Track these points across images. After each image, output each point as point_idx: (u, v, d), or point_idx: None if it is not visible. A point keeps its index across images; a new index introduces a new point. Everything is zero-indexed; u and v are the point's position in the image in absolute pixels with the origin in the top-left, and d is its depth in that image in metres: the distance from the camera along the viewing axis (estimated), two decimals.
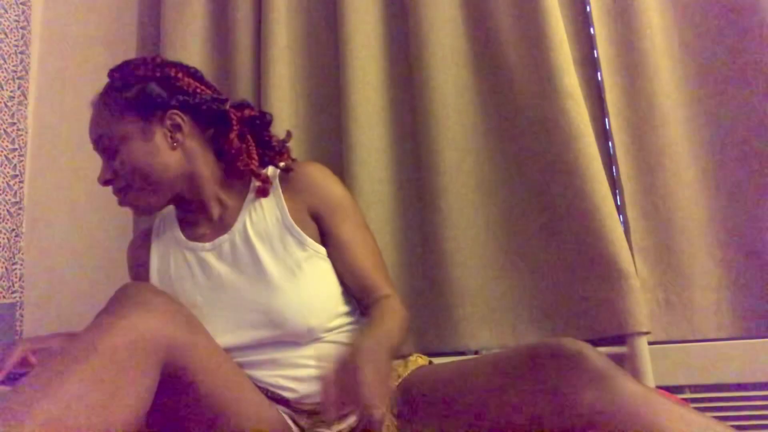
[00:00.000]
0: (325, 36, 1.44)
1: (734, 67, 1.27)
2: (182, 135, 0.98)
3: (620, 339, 1.17)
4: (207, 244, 1.00)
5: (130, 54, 1.51)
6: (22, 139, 1.61)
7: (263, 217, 0.99)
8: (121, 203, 1.00)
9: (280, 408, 0.91)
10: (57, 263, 1.60)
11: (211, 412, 0.81)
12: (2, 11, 1.56)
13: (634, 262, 1.20)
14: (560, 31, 1.27)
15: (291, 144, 1.09)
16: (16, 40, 1.60)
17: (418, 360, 1.00)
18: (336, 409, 0.68)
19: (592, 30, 1.35)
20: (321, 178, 1.02)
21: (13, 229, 1.54)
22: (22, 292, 1.55)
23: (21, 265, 1.56)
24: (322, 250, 0.99)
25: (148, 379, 0.72)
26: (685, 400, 1.16)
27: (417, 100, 1.34)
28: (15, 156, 1.58)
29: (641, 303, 1.15)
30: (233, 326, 0.93)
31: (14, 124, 1.58)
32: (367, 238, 1.03)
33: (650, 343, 1.17)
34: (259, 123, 1.06)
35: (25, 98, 1.63)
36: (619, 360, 1.13)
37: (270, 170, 1.04)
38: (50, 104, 1.68)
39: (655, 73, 1.29)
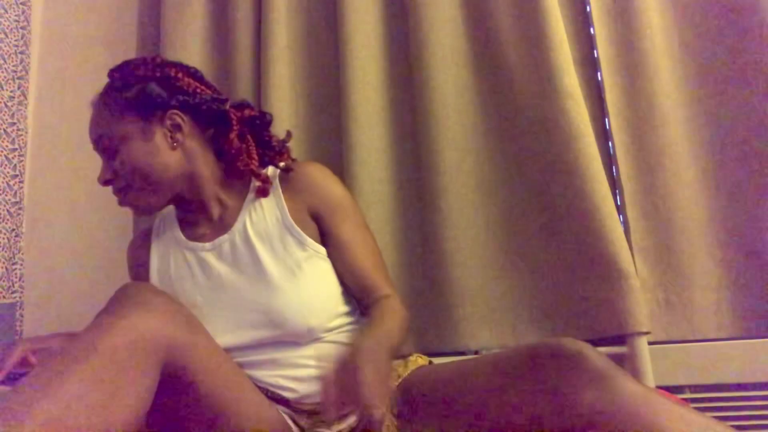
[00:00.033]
0: (325, 36, 1.44)
1: (734, 67, 1.27)
2: (182, 135, 0.98)
3: (620, 339, 1.17)
4: (207, 244, 1.00)
5: (130, 54, 1.51)
6: (22, 139, 1.61)
7: (263, 217, 0.99)
8: (121, 203, 1.00)
9: (280, 408, 0.91)
10: (57, 263, 1.60)
11: (211, 412, 0.81)
12: (2, 11, 1.56)
13: (634, 262, 1.20)
14: (560, 31, 1.27)
15: (291, 144, 1.09)
16: (16, 40, 1.60)
17: (418, 360, 1.00)
18: (336, 409, 0.68)
19: (592, 30, 1.35)
20: (321, 178, 1.02)
21: (13, 229, 1.54)
22: (22, 292, 1.55)
23: (21, 265, 1.56)
24: (322, 250, 0.99)
25: (148, 379, 0.72)
26: (685, 400, 1.16)
27: (417, 100, 1.34)
28: (15, 156, 1.58)
29: (641, 303, 1.15)
30: (233, 326, 0.93)
31: (14, 124, 1.58)
32: (367, 238, 1.02)
33: (650, 343, 1.17)
34: (259, 123, 1.06)
35: (25, 98, 1.63)
36: (619, 360, 1.13)
37: (270, 170, 1.04)
38: (50, 104, 1.68)
39: (655, 73, 1.29)
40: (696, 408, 0.80)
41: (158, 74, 0.98)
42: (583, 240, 1.19)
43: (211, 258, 0.99)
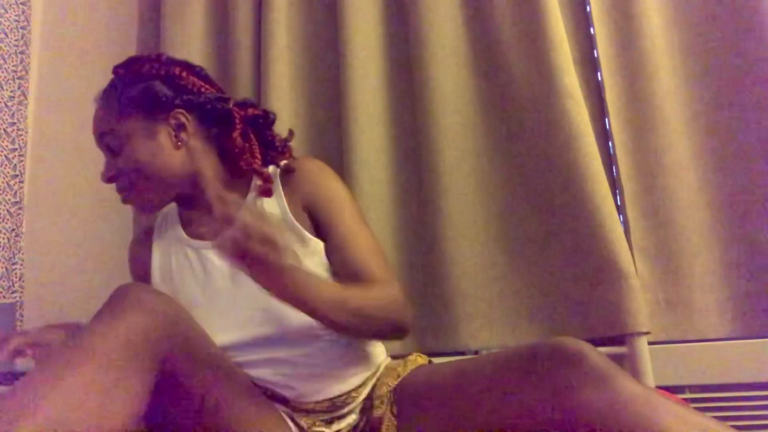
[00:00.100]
0: (325, 36, 1.44)
1: (734, 67, 1.27)
2: (186, 134, 0.99)
3: (620, 339, 1.17)
4: (208, 243, 1.00)
5: (130, 54, 1.51)
6: (22, 139, 1.61)
7: (267, 212, 0.99)
8: (124, 201, 1.01)
9: (279, 407, 0.91)
10: (57, 263, 1.60)
11: (208, 411, 0.81)
12: (2, 11, 1.56)
13: (634, 262, 1.20)
14: (560, 31, 1.27)
15: (292, 143, 1.09)
16: (16, 40, 1.60)
17: (418, 359, 1.00)
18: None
19: (592, 30, 1.35)
20: (317, 172, 1.01)
21: (13, 229, 1.54)
22: (22, 292, 1.55)
23: (21, 265, 1.56)
24: (322, 245, 0.98)
25: (145, 379, 0.72)
26: (685, 400, 1.16)
27: (417, 100, 1.34)
28: (15, 156, 1.58)
29: (641, 303, 1.15)
30: (233, 323, 0.92)
31: (14, 124, 1.58)
32: (363, 231, 1.00)
33: (650, 343, 1.17)
34: (262, 122, 1.06)
35: (25, 98, 1.63)
36: (619, 360, 1.13)
37: (270, 168, 1.04)
38: (50, 104, 1.68)
39: (655, 73, 1.29)
40: (696, 408, 0.81)
41: (163, 73, 0.99)
42: (583, 240, 1.19)
43: (212, 255, 0.99)
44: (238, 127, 1.00)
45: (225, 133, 1.01)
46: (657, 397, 0.69)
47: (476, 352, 1.26)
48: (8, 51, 1.57)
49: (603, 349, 1.14)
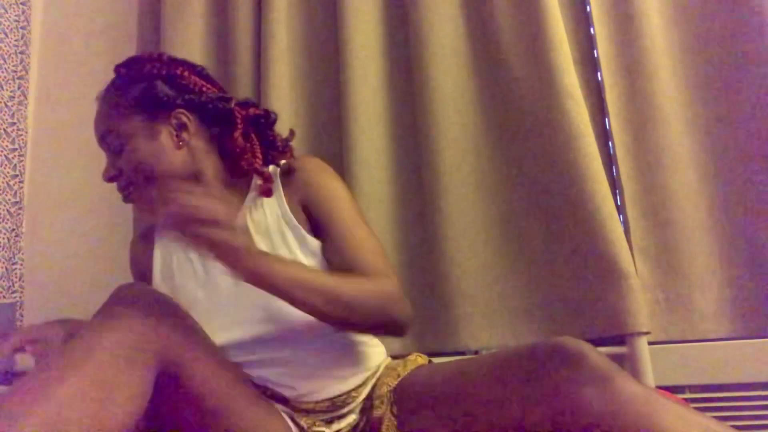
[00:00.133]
0: (325, 36, 1.44)
1: (734, 66, 1.27)
2: (188, 134, 0.99)
3: (620, 339, 1.17)
4: None
5: (130, 54, 1.51)
6: (22, 139, 1.61)
7: (264, 214, 0.99)
8: (126, 200, 1.01)
9: (279, 406, 0.91)
10: (57, 263, 1.60)
11: (208, 412, 0.81)
12: (2, 11, 1.56)
13: (634, 262, 1.20)
14: (560, 31, 1.27)
15: (292, 143, 1.09)
16: (16, 40, 1.60)
17: (418, 359, 1.00)
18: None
19: (592, 30, 1.35)
20: (316, 171, 1.01)
21: (13, 229, 1.54)
22: (22, 292, 1.55)
23: (21, 265, 1.56)
24: (319, 245, 0.98)
25: (145, 379, 0.72)
26: (685, 400, 1.16)
27: (417, 100, 1.34)
28: (15, 156, 1.57)
29: (641, 303, 1.15)
30: (234, 322, 0.92)
31: (14, 124, 1.58)
32: (362, 230, 0.98)
33: (650, 343, 1.17)
34: (263, 122, 1.06)
35: (25, 98, 1.63)
36: (619, 360, 1.13)
37: (270, 168, 1.04)
38: (50, 104, 1.68)
39: (655, 73, 1.29)
40: (696, 408, 0.80)
41: (165, 72, 0.99)
42: (583, 240, 1.19)
43: None
44: (239, 126, 1.00)
45: (226, 132, 1.01)
46: (657, 397, 0.69)
47: (476, 352, 1.26)
48: (8, 51, 1.57)
49: (603, 349, 1.14)
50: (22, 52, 1.62)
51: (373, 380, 0.95)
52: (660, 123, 1.27)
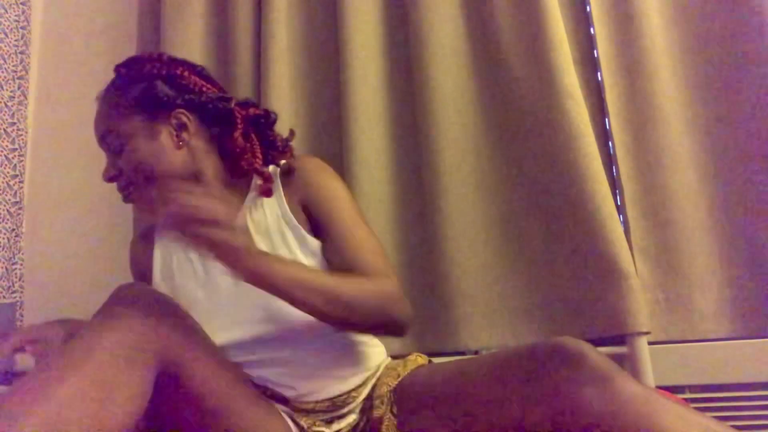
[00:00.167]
0: (325, 36, 1.44)
1: (734, 66, 1.27)
2: (188, 134, 0.99)
3: (620, 339, 1.17)
4: None
5: (130, 54, 1.51)
6: (22, 139, 1.61)
7: (264, 214, 0.99)
8: (126, 200, 1.01)
9: (279, 406, 0.91)
10: (57, 263, 1.60)
11: (208, 412, 0.81)
12: (2, 11, 1.56)
13: (634, 262, 1.20)
14: (560, 31, 1.27)
15: (292, 143, 1.09)
16: (16, 40, 1.60)
17: (418, 359, 1.00)
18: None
19: (592, 30, 1.35)
20: (315, 171, 1.01)
21: (13, 229, 1.54)
22: (22, 292, 1.55)
23: (21, 265, 1.56)
24: (319, 244, 0.98)
25: (144, 380, 0.72)
26: (685, 400, 1.16)
27: (417, 100, 1.34)
28: (15, 156, 1.57)
29: (641, 303, 1.15)
30: (234, 322, 0.92)
31: (14, 124, 1.58)
32: (362, 230, 0.98)
33: (650, 343, 1.17)
34: (263, 122, 1.06)
35: (25, 98, 1.63)
36: (619, 360, 1.13)
37: (270, 168, 1.04)
38: (50, 104, 1.68)
39: (655, 73, 1.29)
40: (696, 408, 0.81)
41: (165, 72, 0.99)
42: (583, 240, 1.19)
43: None
44: (239, 126, 1.01)
45: (226, 132, 1.01)
46: (657, 397, 0.69)
47: (476, 352, 1.26)
48: (8, 51, 1.57)
49: (603, 349, 1.14)
50: (22, 52, 1.62)
51: (373, 380, 0.95)
52: (660, 123, 1.27)
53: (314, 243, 0.97)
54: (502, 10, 1.33)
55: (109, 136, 0.98)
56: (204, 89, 1.01)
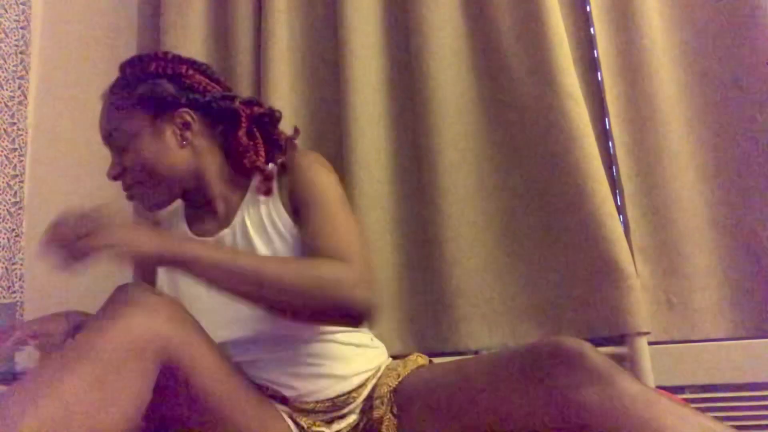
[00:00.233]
0: (325, 36, 1.44)
1: (734, 66, 1.27)
2: (191, 133, 0.99)
3: (620, 339, 1.17)
4: (209, 239, 1.01)
5: (130, 54, 1.51)
6: (22, 139, 1.61)
7: (261, 211, 0.99)
8: (130, 198, 1.02)
9: (280, 406, 0.91)
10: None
11: (209, 411, 0.81)
12: (2, 11, 1.56)
13: (634, 262, 1.20)
14: (560, 31, 1.27)
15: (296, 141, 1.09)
16: (16, 40, 1.60)
17: (418, 359, 1.00)
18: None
19: (592, 30, 1.35)
20: (305, 165, 0.99)
21: (13, 229, 1.54)
22: (22, 292, 1.55)
23: (21, 265, 1.56)
24: None
25: (146, 379, 0.72)
26: (685, 400, 1.16)
27: (417, 100, 1.34)
28: (15, 156, 1.57)
29: (641, 303, 1.15)
30: (235, 320, 0.92)
31: (14, 124, 1.58)
32: (338, 217, 0.94)
33: (650, 343, 1.17)
34: (267, 120, 1.06)
35: (25, 98, 1.63)
36: (619, 360, 1.12)
37: (270, 166, 1.04)
38: (50, 104, 1.68)
39: (656, 73, 1.29)
40: (696, 408, 0.80)
41: (169, 71, 0.99)
42: (583, 240, 1.19)
43: None
44: (243, 125, 1.01)
45: (230, 131, 1.02)
46: (657, 396, 0.69)
47: (476, 352, 1.25)
48: (8, 51, 1.57)
49: (603, 349, 1.14)
50: (22, 52, 1.62)
51: (374, 380, 0.95)
52: (660, 123, 1.27)
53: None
54: (502, 10, 1.33)
55: (113, 135, 0.99)
56: (208, 88, 1.01)
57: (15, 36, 1.60)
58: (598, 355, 0.72)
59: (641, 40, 1.30)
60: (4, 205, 1.53)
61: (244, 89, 1.40)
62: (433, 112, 1.31)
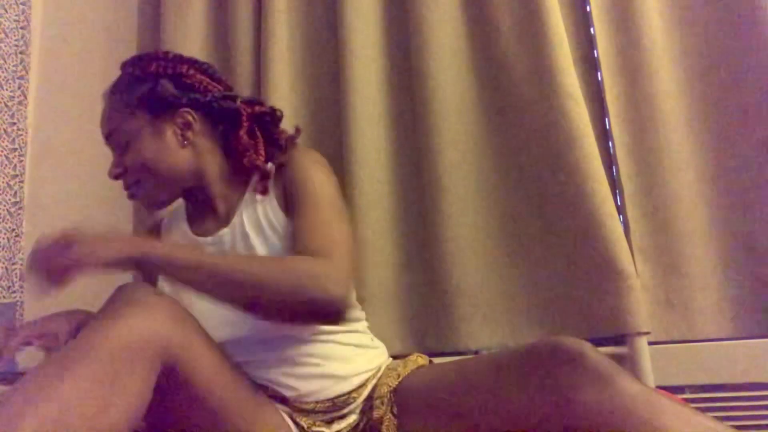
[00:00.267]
0: (325, 36, 1.44)
1: (734, 66, 1.27)
2: (192, 133, 0.99)
3: (620, 339, 1.17)
4: (209, 239, 1.01)
5: (130, 54, 1.51)
6: (22, 139, 1.61)
7: (259, 210, 0.99)
8: (131, 198, 1.02)
9: (280, 406, 0.91)
10: None
11: (209, 411, 0.81)
12: (2, 11, 1.56)
13: (634, 262, 1.20)
14: (560, 31, 1.27)
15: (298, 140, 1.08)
16: (16, 40, 1.60)
17: (419, 360, 1.00)
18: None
19: (592, 30, 1.35)
20: (300, 162, 0.99)
21: (13, 229, 1.54)
22: (22, 292, 1.55)
23: (21, 265, 1.56)
24: None
25: (146, 379, 0.72)
26: (685, 400, 1.16)
27: (417, 99, 1.34)
28: (15, 156, 1.57)
29: (641, 303, 1.15)
30: (234, 319, 0.92)
31: (14, 124, 1.58)
32: (319, 212, 0.93)
33: (650, 343, 1.17)
34: (269, 119, 1.06)
35: (25, 98, 1.63)
36: (619, 360, 1.12)
37: (269, 165, 1.04)
38: (50, 104, 1.68)
39: (656, 73, 1.29)
40: (696, 408, 0.81)
41: (170, 71, 0.99)
42: (583, 240, 1.19)
43: (212, 251, 0.99)
44: (244, 125, 1.01)
45: (231, 130, 1.02)
46: (657, 396, 0.69)
47: (476, 352, 1.25)
48: (8, 51, 1.57)
49: (603, 349, 1.14)
50: (22, 52, 1.62)
51: (374, 381, 0.95)
52: (660, 123, 1.27)
53: None
54: (502, 10, 1.33)
55: (114, 135, 0.99)
56: (209, 88, 1.01)
57: (15, 36, 1.60)
58: (598, 355, 0.72)
59: (641, 40, 1.30)
60: (4, 205, 1.53)
61: (244, 89, 1.41)
62: (433, 112, 1.31)
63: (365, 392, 0.94)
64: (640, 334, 1.15)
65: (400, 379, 0.93)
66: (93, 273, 0.77)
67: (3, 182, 1.53)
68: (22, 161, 1.60)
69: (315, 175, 0.97)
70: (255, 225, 0.98)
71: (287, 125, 1.31)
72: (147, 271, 1.06)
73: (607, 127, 1.32)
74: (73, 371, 0.67)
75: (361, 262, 1.27)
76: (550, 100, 1.23)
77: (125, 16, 1.66)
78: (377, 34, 1.40)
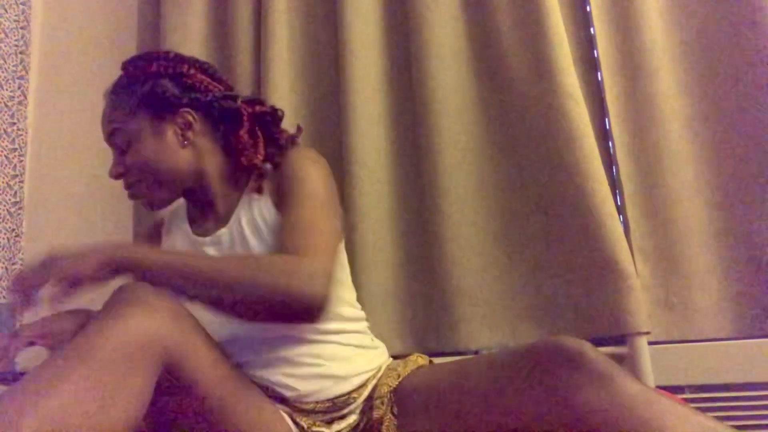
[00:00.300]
0: (325, 36, 1.44)
1: (734, 66, 1.27)
2: (193, 133, 0.99)
3: (620, 339, 1.17)
4: (207, 238, 1.01)
5: (130, 54, 1.51)
6: (22, 139, 1.61)
7: (256, 209, 0.99)
8: (131, 197, 1.02)
9: (280, 406, 0.91)
10: None
11: (209, 411, 0.81)
12: (2, 11, 1.56)
13: (634, 263, 1.20)
14: (560, 31, 1.27)
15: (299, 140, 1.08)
16: (16, 40, 1.60)
17: (418, 360, 1.00)
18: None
19: (592, 30, 1.35)
20: (293, 160, 0.98)
21: (13, 229, 1.54)
22: None
23: (21, 265, 1.56)
24: None
25: (146, 379, 0.72)
26: (685, 400, 1.16)
27: (417, 99, 1.34)
28: (15, 156, 1.57)
29: (641, 303, 1.15)
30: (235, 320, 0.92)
31: (14, 124, 1.58)
32: (306, 209, 0.91)
33: (650, 343, 1.17)
34: (270, 119, 1.06)
35: (25, 98, 1.63)
36: (619, 360, 1.13)
37: (267, 164, 1.04)
38: (50, 104, 1.68)
39: (656, 73, 1.29)
40: (696, 408, 0.81)
41: (171, 71, 0.99)
42: (583, 240, 1.19)
43: (212, 251, 0.99)
44: (245, 124, 1.01)
45: (232, 130, 1.02)
46: (657, 396, 0.69)
47: (476, 352, 1.26)
48: (8, 51, 1.57)
49: (603, 349, 1.14)
50: (22, 52, 1.62)
51: (374, 381, 0.95)
52: (660, 123, 1.27)
53: None
54: (502, 10, 1.33)
55: (115, 134, 0.99)
56: (210, 87, 1.01)
57: (15, 36, 1.60)
58: (599, 355, 0.72)
59: (641, 40, 1.30)
60: (4, 205, 1.53)
61: (244, 89, 1.41)
62: (433, 112, 1.31)
63: (365, 392, 0.94)
64: (640, 334, 1.15)
65: (400, 379, 0.93)
66: (83, 288, 0.77)
67: (3, 182, 1.53)
68: (22, 161, 1.60)
69: (307, 172, 0.96)
70: (251, 224, 0.98)
71: (287, 125, 1.31)
72: (137, 276, 1.06)
73: (607, 126, 1.32)
74: (73, 371, 0.67)
75: (361, 262, 1.27)
76: (550, 100, 1.23)
77: (125, 16, 1.66)
78: (377, 34, 1.40)
